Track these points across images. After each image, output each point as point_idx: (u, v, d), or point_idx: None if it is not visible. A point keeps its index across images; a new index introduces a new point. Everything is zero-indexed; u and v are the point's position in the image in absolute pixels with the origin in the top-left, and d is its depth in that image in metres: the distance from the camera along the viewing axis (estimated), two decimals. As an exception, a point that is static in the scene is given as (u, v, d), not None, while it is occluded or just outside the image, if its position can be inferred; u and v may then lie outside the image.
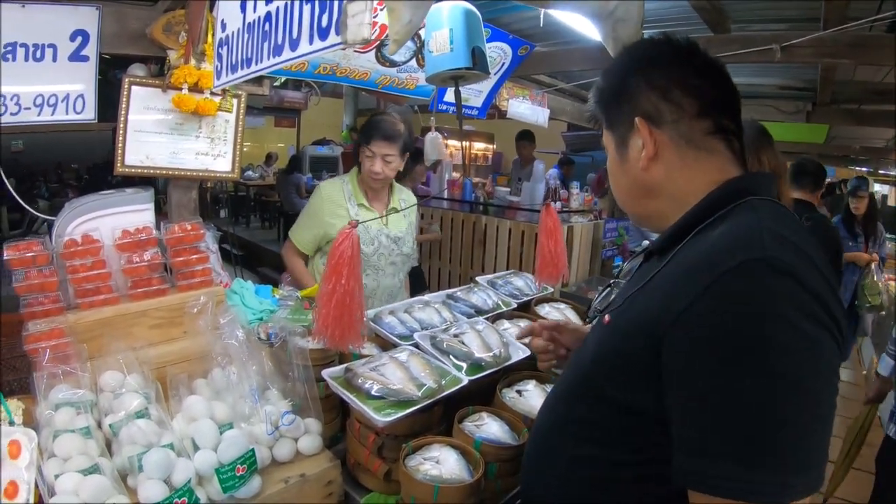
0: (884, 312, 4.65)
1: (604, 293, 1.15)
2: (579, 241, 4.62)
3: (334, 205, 2.33)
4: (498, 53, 2.77)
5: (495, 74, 2.88)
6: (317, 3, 1.11)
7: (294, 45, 1.20)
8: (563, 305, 2.27)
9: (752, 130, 1.59)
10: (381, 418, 1.29)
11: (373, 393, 1.38)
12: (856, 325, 4.78)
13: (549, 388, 1.65)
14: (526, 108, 3.24)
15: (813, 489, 0.68)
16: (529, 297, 2.28)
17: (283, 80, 8.54)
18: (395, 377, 1.44)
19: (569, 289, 4.45)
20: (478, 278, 2.38)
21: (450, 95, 2.86)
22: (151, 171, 2.03)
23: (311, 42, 1.13)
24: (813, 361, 0.69)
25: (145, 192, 1.86)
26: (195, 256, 1.83)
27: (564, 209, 4.79)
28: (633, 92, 0.89)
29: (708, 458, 0.69)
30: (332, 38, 1.05)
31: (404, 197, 2.52)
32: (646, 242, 5.51)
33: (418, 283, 4.27)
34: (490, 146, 9.88)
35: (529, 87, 3.32)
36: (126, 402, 1.27)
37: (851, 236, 4.60)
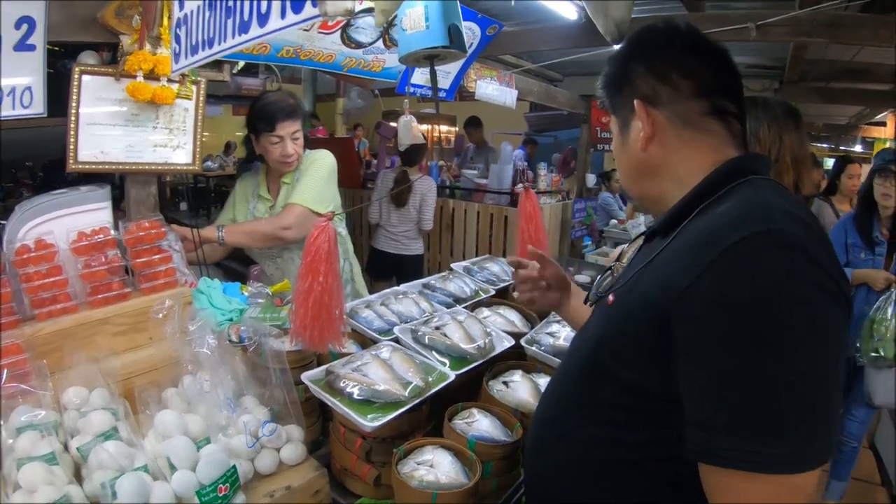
0: None
1: (604, 276, 1.12)
2: (548, 221, 4.61)
3: (244, 193, 2.35)
4: (466, 33, 2.67)
5: (463, 54, 2.79)
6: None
7: (263, 20, 1.08)
8: (541, 290, 2.24)
9: (779, 109, 1.54)
10: (370, 423, 1.22)
11: (356, 396, 1.31)
12: (848, 387, 2.92)
13: (536, 377, 1.61)
14: (494, 90, 3.16)
15: (825, 458, 0.68)
16: (507, 283, 2.24)
17: (241, 66, 8.29)
18: (379, 377, 1.37)
19: (539, 270, 4.43)
20: (453, 265, 2.32)
21: (417, 77, 2.76)
22: (107, 167, 1.88)
23: (283, 16, 1.02)
24: (824, 334, 0.68)
25: (101, 190, 1.72)
26: (157, 256, 1.72)
27: (533, 189, 4.76)
28: (633, 76, 0.92)
29: (719, 432, 0.69)
30: (308, 10, 0.95)
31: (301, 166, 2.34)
32: (613, 221, 5.57)
33: (414, 271, 4.20)
34: (453, 129, 9.77)
35: (497, 68, 3.24)
36: (93, 421, 1.17)
37: (866, 242, 2.94)
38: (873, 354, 2.69)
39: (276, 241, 2.20)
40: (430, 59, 1.46)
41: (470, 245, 4.62)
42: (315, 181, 2.24)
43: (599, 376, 0.89)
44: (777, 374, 0.66)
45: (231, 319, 1.86)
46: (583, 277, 4.54)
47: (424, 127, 9.27)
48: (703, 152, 0.89)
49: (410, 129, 1.54)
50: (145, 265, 1.67)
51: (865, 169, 3.29)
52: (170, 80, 1.92)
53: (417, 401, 1.33)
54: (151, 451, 1.15)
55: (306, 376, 1.42)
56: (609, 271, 1.12)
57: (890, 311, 2.71)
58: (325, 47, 2.29)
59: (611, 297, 0.92)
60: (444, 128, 9.68)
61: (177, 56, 1.46)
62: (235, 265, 3.25)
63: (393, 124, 6.92)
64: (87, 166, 1.81)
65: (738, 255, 0.70)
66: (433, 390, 1.38)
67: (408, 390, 1.34)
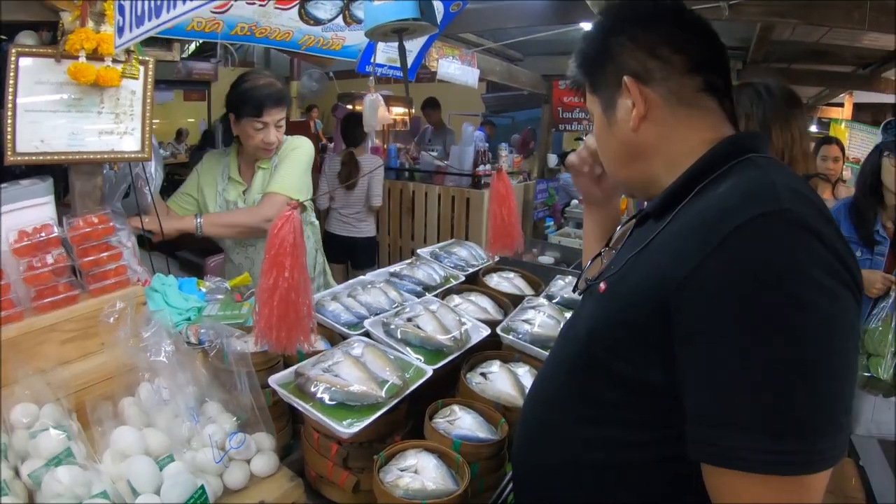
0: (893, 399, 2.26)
1: (593, 262, 1.06)
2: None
3: (211, 174, 2.18)
4: (426, 9, 2.56)
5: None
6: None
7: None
8: (512, 275, 2.18)
9: (780, 92, 1.48)
10: (347, 430, 1.13)
11: (330, 401, 1.22)
12: None
13: (514, 367, 1.56)
14: (456, 69, 3.06)
15: (840, 454, 0.64)
16: (477, 268, 2.17)
17: (190, 50, 7.97)
18: (353, 377, 1.28)
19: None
20: (419, 251, 2.24)
21: (379, 56, 2.63)
22: (48, 158, 1.70)
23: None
24: (837, 320, 0.64)
25: (43, 183, 1.58)
26: (106, 254, 1.59)
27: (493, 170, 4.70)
28: (618, 52, 0.86)
29: (728, 429, 0.64)
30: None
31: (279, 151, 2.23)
32: (574, 201, 5.57)
33: (368, 255, 4.13)
34: (408, 110, 9.59)
35: (459, 47, 3.14)
36: (44, 443, 1.04)
37: (863, 238, 2.39)
38: (865, 374, 2.23)
39: (258, 233, 2.09)
40: (399, 32, 1.36)
41: (431, 229, 4.54)
42: (296, 169, 2.15)
43: (593, 371, 0.84)
44: (792, 364, 0.62)
45: (189, 319, 1.74)
46: (546, 258, 4.54)
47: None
48: (699, 131, 0.84)
49: (377, 110, 1.43)
50: (93, 264, 1.55)
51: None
52: (115, 61, 1.76)
53: (396, 401, 1.25)
54: (109, 473, 1.03)
55: (274, 380, 1.31)
56: (599, 257, 1.07)
57: (893, 321, 2.20)
58: (281, 24, 2.14)
59: (602, 286, 0.87)
60: (399, 109, 9.49)
61: (121, 30, 1.31)
62: (192, 256, 3.07)
63: (349, 107, 6.77)
64: (26, 158, 1.64)
65: (746, 236, 0.65)
66: (412, 388, 1.30)
67: (384, 390, 1.25)
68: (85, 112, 1.77)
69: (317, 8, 2.08)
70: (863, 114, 6.41)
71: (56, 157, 1.78)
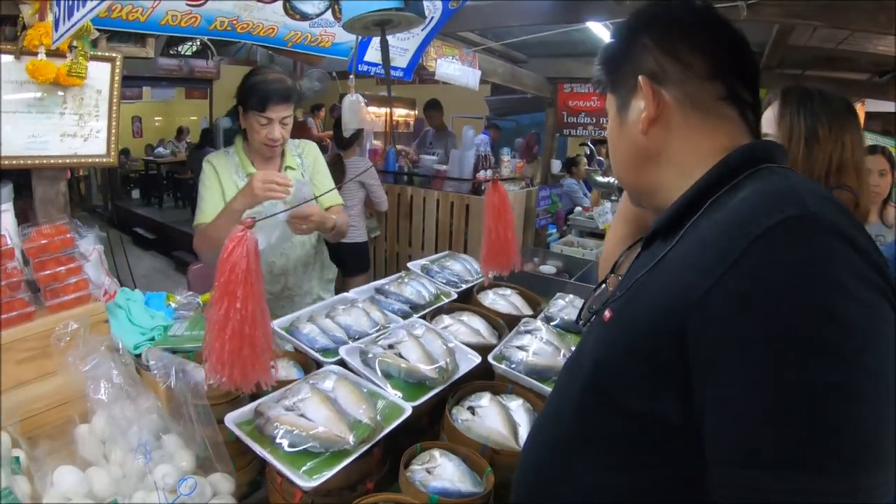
0: None
1: (597, 291, 0.98)
2: (512, 210, 4.41)
3: (227, 176, 1.97)
4: (427, 6, 2.40)
5: (423, 30, 2.53)
6: None
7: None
8: (508, 291, 2.03)
9: (837, 104, 1.34)
10: (306, 483, 0.98)
11: (288, 448, 1.07)
12: None
13: (507, 400, 1.40)
14: (456, 70, 2.90)
15: (891, 489, 0.56)
16: (471, 283, 2.02)
17: (193, 49, 7.88)
18: (320, 417, 1.13)
19: (503, 262, 4.23)
20: (409, 265, 2.09)
21: (371, 55, 2.48)
22: (7, 163, 1.58)
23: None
24: (878, 335, 0.57)
25: (2, 189, 1.47)
26: (64, 268, 1.48)
27: (496, 176, 4.54)
28: (639, 51, 0.81)
29: (761, 468, 0.56)
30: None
31: (299, 151, 2.13)
32: (578, 209, 5.40)
33: (359, 262, 3.95)
34: (412, 112, 9.42)
35: (459, 47, 2.98)
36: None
37: None
38: None
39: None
40: (381, 25, 1.21)
41: (429, 235, 4.38)
42: (329, 180, 2.16)
43: (600, 407, 0.76)
44: (834, 388, 0.55)
45: (152, 339, 1.59)
46: (548, 268, 4.38)
47: (382, 110, 8.95)
48: (713, 139, 0.77)
49: (358, 111, 1.28)
50: (51, 278, 1.43)
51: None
52: (79, 56, 1.62)
53: (365, 448, 1.09)
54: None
55: (232, 418, 1.16)
56: (603, 285, 0.97)
57: None
58: (265, 18, 1.99)
59: (607, 313, 0.79)
60: (402, 111, 9.34)
61: (56, 22, 1.16)
62: (184, 255, 2.90)
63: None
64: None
65: (773, 243, 0.58)
66: (385, 431, 1.14)
67: (353, 435, 1.10)
68: (47, 112, 1.65)
69: (303, 2, 1.93)
70: (873, 122, 6.24)
71: (14, 162, 1.65)
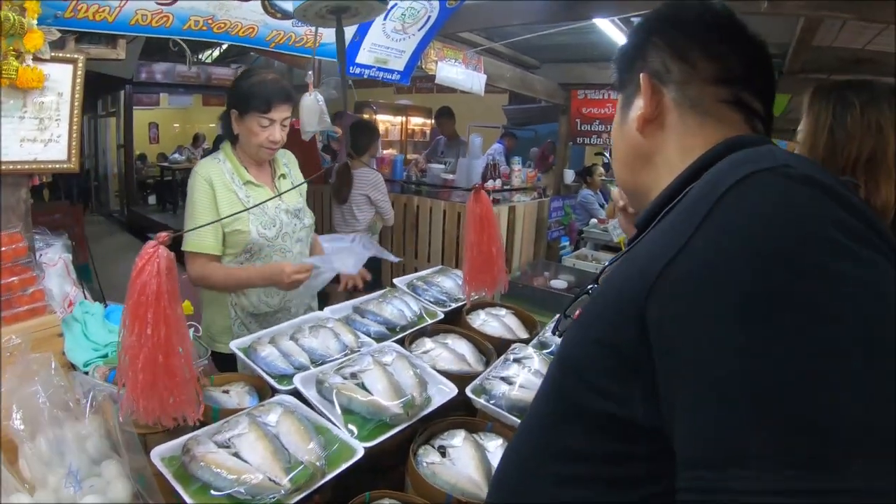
0: None
1: (577, 300, 0.92)
2: (522, 221, 4.25)
3: (223, 188, 1.81)
4: (422, 5, 2.28)
5: (419, 31, 2.39)
6: None
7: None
8: (503, 312, 1.86)
9: (879, 89, 1.19)
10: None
11: (214, 491, 0.92)
12: None
13: (484, 439, 1.25)
14: (459, 73, 2.76)
15: (890, 494, 0.42)
16: (460, 304, 1.86)
17: (214, 56, 7.94)
18: (255, 457, 0.99)
19: (512, 275, 4.06)
20: (395, 280, 1.94)
21: (364, 56, 2.35)
22: None
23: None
24: (877, 296, 0.46)
25: None
26: (17, 278, 1.43)
27: (506, 187, 4.38)
28: (648, 50, 0.78)
29: (727, 466, 0.45)
30: None
31: (286, 160, 2.02)
32: (594, 221, 5.21)
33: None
34: (428, 121, 9.31)
35: (462, 49, 2.84)
36: None
37: None
38: None
39: None
40: (337, 14, 1.07)
41: (435, 246, 4.23)
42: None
43: (567, 411, 0.67)
44: (826, 362, 0.44)
45: (105, 356, 1.48)
46: (559, 283, 4.20)
47: (398, 119, 8.87)
48: (706, 139, 0.71)
49: (317, 112, 1.14)
50: (4, 289, 1.40)
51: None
52: (36, 59, 1.54)
53: (301, 496, 0.94)
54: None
55: (158, 453, 1.03)
56: (585, 294, 0.92)
57: None
58: (243, 17, 1.88)
59: (577, 312, 0.78)
60: (418, 120, 9.25)
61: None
62: None
63: (358, 115, 6.53)
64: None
65: (739, 197, 0.51)
66: (328, 477, 0.99)
67: (290, 478, 0.95)
68: (6, 117, 1.57)
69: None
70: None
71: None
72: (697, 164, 0.68)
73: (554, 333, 0.89)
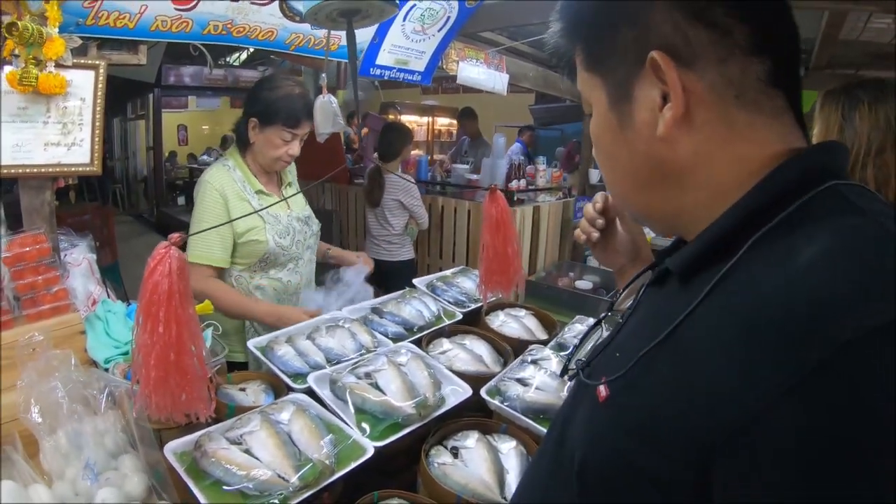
0: None
1: (591, 336, 0.74)
2: (547, 222, 4.21)
3: (236, 197, 1.79)
4: (441, 6, 2.28)
5: (439, 31, 2.39)
6: None
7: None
8: (522, 312, 1.85)
9: (888, 86, 1.18)
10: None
11: (225, 487, 0.94)
12: None
13: (497, 441, 1.23)
14: (481, 73, 2.75)
15: None
16: (479, 304, 1.85)
17: (242, 59, 8.08)
18: (266, 454, 1.00)
19: (536, 276, 4.03)
20: (415, 281, 1.94)
21: (384, 58, 2.36)
22: None
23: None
24: None
25: None
26: (41, 277, 1.47)
27: (531, 187, 4.34)
28: (644, 8, 0.52)
29: None
30: None
31: (289, 168, 2.01)
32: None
33: (402, 280, 3.81)
34: (455, 122, 9.38)
35: (484, 49, 2.83)
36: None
37: None
38: None
39: None
40: (347, 16, 1.07)
41: (460, 247, 4.22)
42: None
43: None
44: None
45: (126, 353, 1.51)
46: (584, 283, 4.15)
47: (424, 119, 8.91)
48: (762, 145, 0.52)
49: (331, 114, 1.15)
50: (28, 287, 1.44)
51: None
52: (58, 66, 1.60)
53: (309, 493, 0.94)
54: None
55: (172, 448, 1.05)
56: (598, 326, 0.74)
57: None
58: (262, 21, 1.91)
59: (603, 391, 0.56)
60: (444, 120, 9.26)
61: None
62: None
63: (382, 116, 6.56)
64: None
65: (847, 371, 0.38)
66: (337, 475, 0.99)
67: (299, 476, 0.96)
68: (31, 122, 1.63)
69: (300, 2, 1.83)
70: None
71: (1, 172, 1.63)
72: (764, 193, 0.50)
73: (562, 376, 0.80)
